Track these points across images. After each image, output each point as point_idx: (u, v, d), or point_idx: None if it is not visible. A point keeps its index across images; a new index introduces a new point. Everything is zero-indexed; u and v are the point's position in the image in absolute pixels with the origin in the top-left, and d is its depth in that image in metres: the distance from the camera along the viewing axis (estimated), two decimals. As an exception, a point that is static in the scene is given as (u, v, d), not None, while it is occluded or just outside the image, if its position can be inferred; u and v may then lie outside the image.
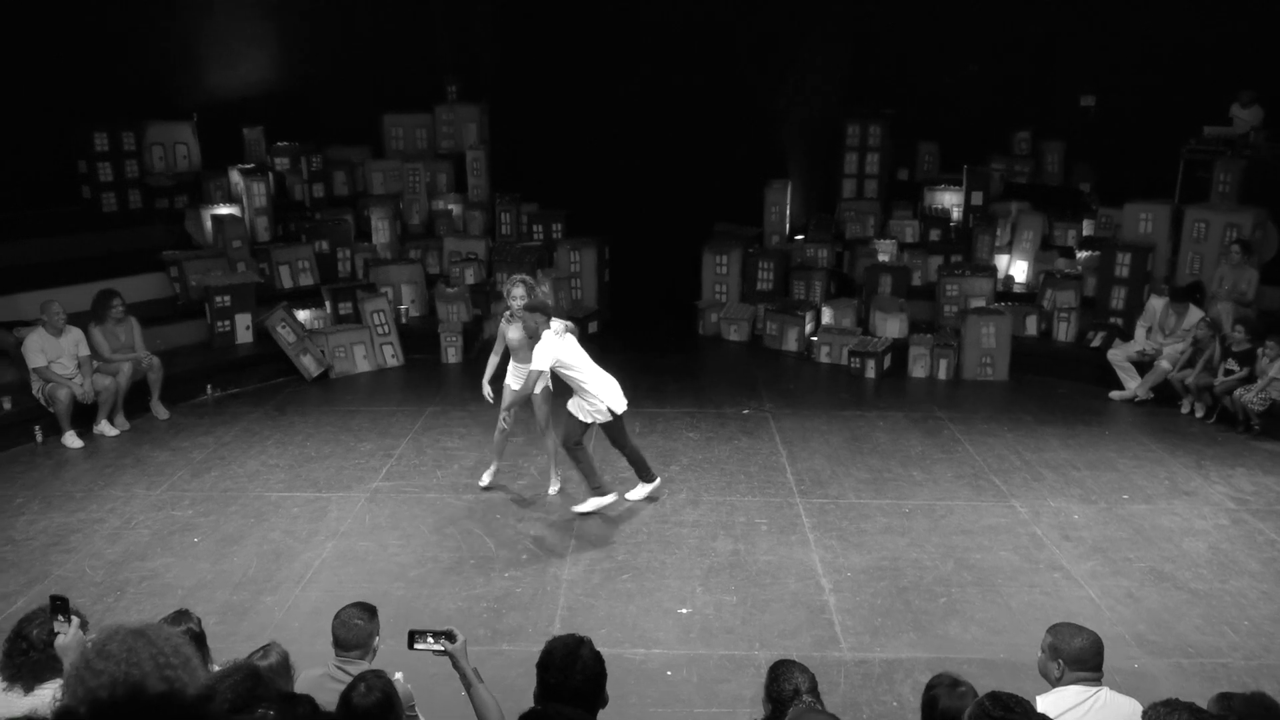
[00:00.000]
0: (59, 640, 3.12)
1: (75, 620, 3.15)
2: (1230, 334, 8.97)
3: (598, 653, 3.06)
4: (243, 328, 10.36)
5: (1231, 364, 8.84)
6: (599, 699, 3.02)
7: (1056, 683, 3.60)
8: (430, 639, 3.44)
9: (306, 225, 11.81)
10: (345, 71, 12.59)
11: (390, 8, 12.77)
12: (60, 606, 3.14)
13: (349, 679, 3.34)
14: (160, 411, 8.99)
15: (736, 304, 12.11)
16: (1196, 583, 6.16)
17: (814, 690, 3.43)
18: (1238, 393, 8.64)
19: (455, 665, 3.43)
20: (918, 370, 10.54)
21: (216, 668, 3.37)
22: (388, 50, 12.72)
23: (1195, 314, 9.53)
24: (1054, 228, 12.15)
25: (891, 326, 11.01)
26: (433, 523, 6.90)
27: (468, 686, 3.42)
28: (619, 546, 6.58)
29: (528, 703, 4.82)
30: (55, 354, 8.32)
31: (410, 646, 3.45)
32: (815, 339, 11.13)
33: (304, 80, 12.59)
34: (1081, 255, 11.58)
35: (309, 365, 10.19)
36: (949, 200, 12.86)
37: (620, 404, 6.88)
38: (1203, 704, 3.11)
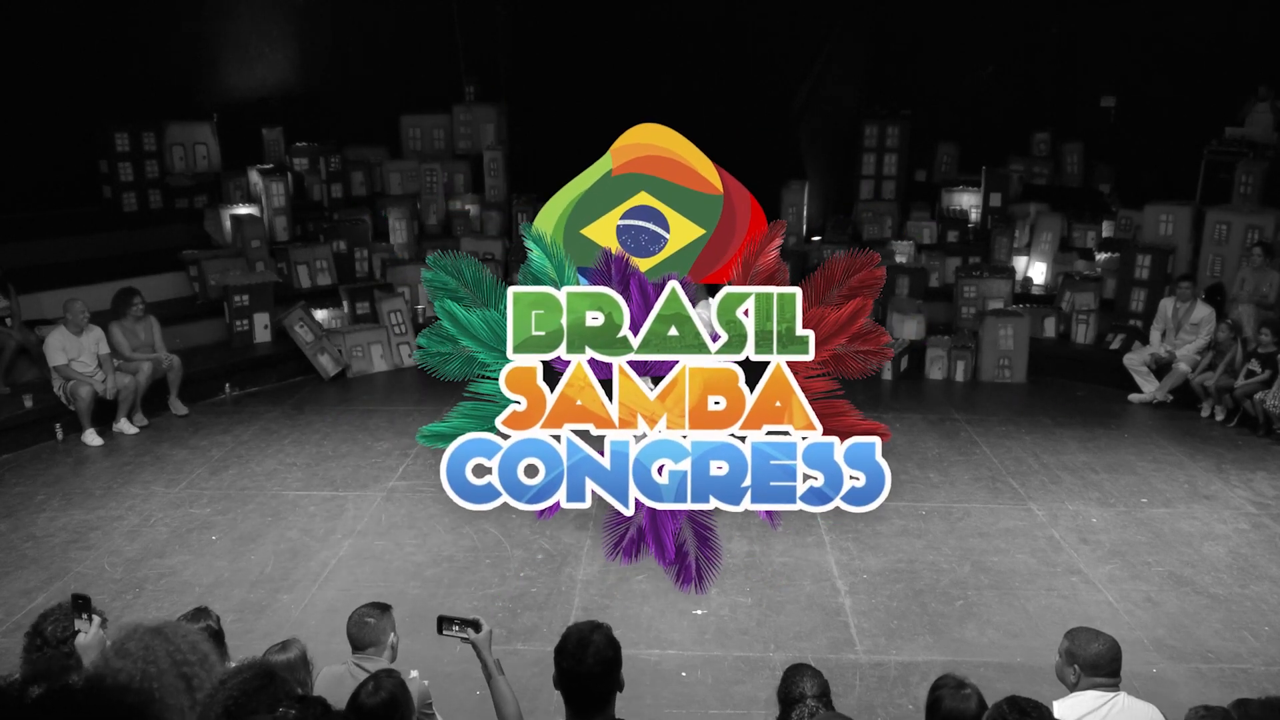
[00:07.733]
0: (79, 639, 3.14)
1: (96, 619, 3.18)
2: (1254, 336, 8.90)
3: (612, 638, 3.05)
4: (261, 327, 10.42)
5: (1254, 365, 8.77)
6: (613, 682, 3.01)
7: (1073, 688, 3.58)
8: (456, 627, 3.49)
9: (325, 225, 11.86)
10: (363, 72, 12.64)
11: (408, 9, 12.81)
12: (82, 605, 3.17)
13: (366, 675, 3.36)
14: (178, 409, 9.05)
15: (753, 305, 12.06)
16: (1216, 587, 6.11)
17: (821, 696, 3.41)
18: (1259, 396, 8.57)
19: (478, 655, 3.45)
20: (935, 372, 10.50)
21: (233, 664, 3.39)
22: (406, 51, 12.76)
23: (1203, 308, 9.49)
24: (1073, 229, 12.07)
25: (909, 328, 10.96)
26: (448, 522, 6.91)
27: (488, 678, 3.43)
28: (634, 547, 6.58)
29: (543, 701, 4.83)
30: (76, 352, 8.39)
31: (439, 632, 3.49)
32: (832, 340, 11.09)
33: (323, 81, 12.66)
34: (1101, 257, 11.49)
35: (326, 364, 10.24)
36: (967, 201, 12.80)
37: None
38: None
